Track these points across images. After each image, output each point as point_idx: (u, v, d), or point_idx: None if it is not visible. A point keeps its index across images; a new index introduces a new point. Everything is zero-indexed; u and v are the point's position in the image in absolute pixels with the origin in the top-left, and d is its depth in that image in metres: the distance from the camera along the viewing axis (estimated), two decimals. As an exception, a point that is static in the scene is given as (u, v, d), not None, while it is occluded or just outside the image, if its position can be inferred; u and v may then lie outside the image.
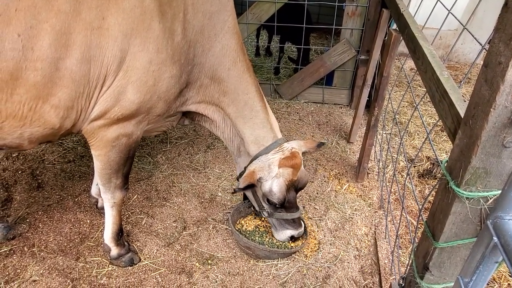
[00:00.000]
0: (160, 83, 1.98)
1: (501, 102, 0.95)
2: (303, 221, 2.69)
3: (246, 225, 2.85)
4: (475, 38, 1.73)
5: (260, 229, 2.82)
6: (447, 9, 2.02)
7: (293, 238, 2.60)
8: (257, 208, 2.58)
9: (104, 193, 2.34)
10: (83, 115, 1.94)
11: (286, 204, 2.44)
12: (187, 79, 2.17)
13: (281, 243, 2.70)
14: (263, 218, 2.87)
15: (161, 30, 1.90)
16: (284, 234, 2.59)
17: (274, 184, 2.36)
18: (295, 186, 2.43)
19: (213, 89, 2.32)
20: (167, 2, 1.93)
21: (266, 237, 2.75)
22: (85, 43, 1.72)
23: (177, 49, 2.00)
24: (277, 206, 2.44)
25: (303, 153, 2.52)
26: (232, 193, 2.62)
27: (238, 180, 2.57)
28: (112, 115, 1.96)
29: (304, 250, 2.72)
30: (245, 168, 2.48)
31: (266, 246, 2.66)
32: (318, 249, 2.74)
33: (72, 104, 1.84)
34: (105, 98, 1.91)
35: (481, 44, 1.52)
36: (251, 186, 2.32)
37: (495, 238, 0.89)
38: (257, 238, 2.74)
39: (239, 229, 2.81)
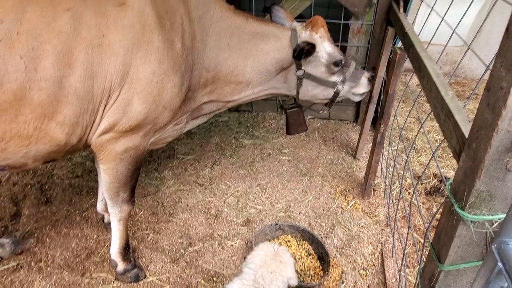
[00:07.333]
0: (164, 92, 2.04)
1: (504, 127, 0.95)
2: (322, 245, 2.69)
3: None
4: (480, 58, 1.74)
5: None
6: (451, 28, 2.04)
7: (370, 80, 2.77)
8: (332, 93, 2.64)
9: (112, 207, 2.36)
10: (88, 130, 1.98)
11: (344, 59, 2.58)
12: (188, 84, 2.24)
13: (298, 274, 2.61)
14: (288, 244, 2.84)
15: (161, 41, 1.97)
16: (363, 81, 2.72)
17: (325, 47, 2.49)
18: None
19: (220, 73, 2.39)
20: (164, 14, 2.00)
21: None
22: (87, 60, 1.78)
23: (177, 59, 2.07)
24: (342, 63, 2.55)
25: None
26: (295, 56, 2.45)
27: (296, 104, 2.87)
28: (121, 127, 2.00)
29: (325, 282, 2.59)
30: (298, 78, 2.54)
31: None
32: (340, 278, 2.65)
33: (77, 120, 1.88)
34: (113, 111, 1.96)
35: (485, 64, 1.53)
36: (312, 47, 2.37)
37: (499, 264, 0.88)
38: None
39: None
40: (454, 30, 2.02)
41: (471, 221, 1.08)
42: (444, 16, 2.17)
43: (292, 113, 2.91)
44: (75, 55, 1.75)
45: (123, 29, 1.85)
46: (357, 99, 2.85)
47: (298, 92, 2.64)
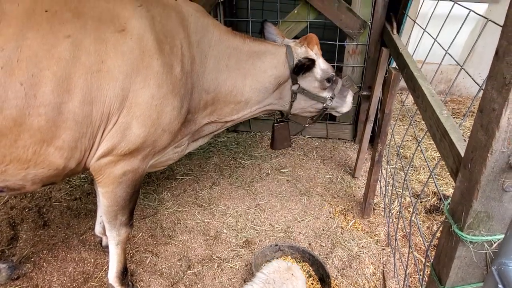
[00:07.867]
0: (163, 116, 2.07)
1: (498, 148, 0.96)
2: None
3: None
4: (473, 79, 1.77)
5: None
6: (444, 50, 2.08)
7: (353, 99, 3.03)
8: (321, 107, 2.82)
9: (110, 230, 2.34)
10: (86, 154, 1.99)
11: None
12: (188, 107, 2.27)
13: None
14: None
15: (160, 65, 2.01)
16: (349, 100, 2.96)
17: (320, 63, 2.66)
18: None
19: (220, 94, 2.46)
20: (164, 39, 2.04)
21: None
22: (86, 86, 1.80)
23: (176, 82, 2.10)
24: (333, 80, 2.75)
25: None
26: (296, 72, 2.58)
27: (285, 117, 3.00)
28: (119, 150, 2.01)
29: None
30: (293, 93, 2.67)
31: None
32: None
33: (76, 145, 1.89)
34: (112, 134, 1.96)
35: (478, 85, 1.55)
36: (312, 63, 2.52)
37: (500, 286, 0.88)
38: None
39: None
40: (446, 51, 2.06)
41: (470, 242, 1.07)
42: (436, 37, 2.22)
43: (279, 127, 3.04)
44: (74, 81, 1.77)
45: (122, 55, 1.88)
46: (338, 114, 3.10)
47: (291, 106, 2.77)
